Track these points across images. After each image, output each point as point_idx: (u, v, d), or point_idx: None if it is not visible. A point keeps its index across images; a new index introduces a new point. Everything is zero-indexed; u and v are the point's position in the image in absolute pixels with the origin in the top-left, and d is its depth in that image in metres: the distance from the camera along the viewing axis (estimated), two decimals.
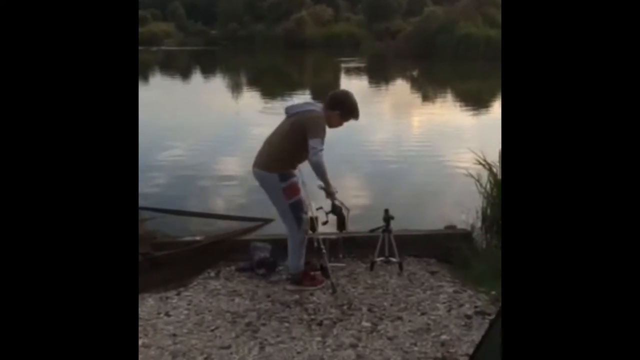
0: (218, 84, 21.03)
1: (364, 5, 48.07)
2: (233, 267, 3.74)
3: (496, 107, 14.43)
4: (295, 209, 3.28)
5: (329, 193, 3.31)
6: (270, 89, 18.21)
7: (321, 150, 3.12)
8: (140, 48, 38.56)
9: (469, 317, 3.02)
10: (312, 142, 3.12)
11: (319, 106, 3.34)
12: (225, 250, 3.91)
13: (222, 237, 4.04)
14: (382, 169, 7.34)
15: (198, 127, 10.66)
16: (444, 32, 28.15)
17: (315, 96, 16.08)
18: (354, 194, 5.76)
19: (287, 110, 3.36)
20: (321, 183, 3.27)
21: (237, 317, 3.06)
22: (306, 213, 3.36)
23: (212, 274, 3.66)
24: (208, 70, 27.05)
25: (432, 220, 5.21)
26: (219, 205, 5.81)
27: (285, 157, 3.23)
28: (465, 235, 4.03)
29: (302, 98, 15.69)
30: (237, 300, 3.28)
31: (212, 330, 2.92)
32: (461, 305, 3.16)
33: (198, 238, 3.93)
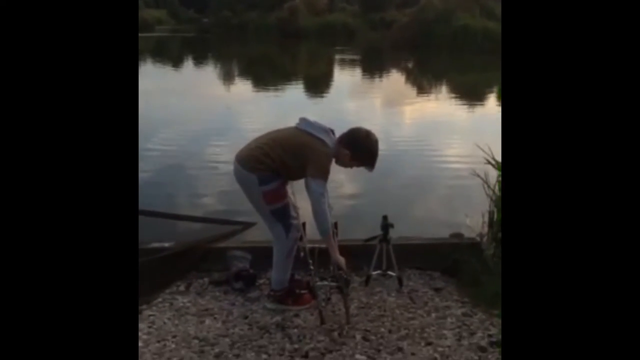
0: (210, 73, 20.34)
1: None
2: (206, 280, 3.24)
3: (492, 101, 13.97)
4: (279, 215, 2.77)
5: (336, 262, 2.72)
6: (263, 79, 17.61)
7: (323, 194, 2.61)
8: None
9: (482, 349, 2.53)
10: (314, 184, 2.60)
11: (333, 140, 2.76)
12: (199, 259, 3.40)
13: (195, 244, 3.51)
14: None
15: (188, 115, 10.17)
16: (441, 23, 27.55)
17: (308, 88, 15.53)
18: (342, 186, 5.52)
19: (301, 122, 2.77)
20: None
21: (206, 345, 2.56)
22: (296, 218, 2.86)
23: (182, 288, 3.15)
24: (200, 59, 26.33)
25: (421, 217, 4.99)
26: (207, 192, 5.56)
27: (269, 162, 2.66)
28: (474, 246, 3.53)
29: (294, 89, 15.15)
30: (207, 322, 2.78)
31: None
32: (472, 334, 2.67)
33: (167, 245, 3.40)
